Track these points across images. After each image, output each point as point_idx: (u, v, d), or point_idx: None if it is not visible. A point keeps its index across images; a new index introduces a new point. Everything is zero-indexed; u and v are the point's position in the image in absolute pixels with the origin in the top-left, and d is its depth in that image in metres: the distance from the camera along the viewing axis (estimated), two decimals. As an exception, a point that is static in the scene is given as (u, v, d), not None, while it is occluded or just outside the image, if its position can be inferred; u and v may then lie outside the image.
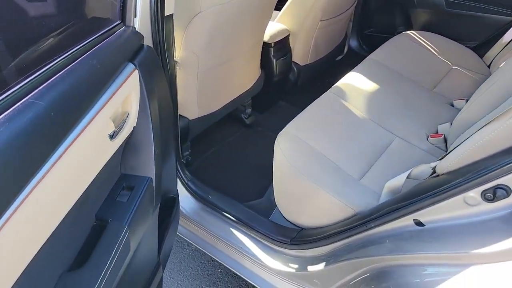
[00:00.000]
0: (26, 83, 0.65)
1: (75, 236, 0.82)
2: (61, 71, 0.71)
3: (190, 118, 1.55)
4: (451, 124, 1.37)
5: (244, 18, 1.45)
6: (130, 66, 0.88)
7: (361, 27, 2.38)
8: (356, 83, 1.57)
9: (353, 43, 2.43)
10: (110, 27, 0.89)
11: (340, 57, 2.38)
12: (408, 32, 1.94)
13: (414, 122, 1.44)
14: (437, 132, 1.42)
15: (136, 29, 0.97)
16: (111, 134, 0.82)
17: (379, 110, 1.47)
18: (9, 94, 0.62)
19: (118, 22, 0.92)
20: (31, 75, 0.67)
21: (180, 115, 1.51)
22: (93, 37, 0.82)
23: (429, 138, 1.39)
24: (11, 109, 0.61)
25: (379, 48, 1.83)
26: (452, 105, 1.58)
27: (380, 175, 1.21)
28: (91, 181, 0.77)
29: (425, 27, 2.08)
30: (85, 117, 0.72)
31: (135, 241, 0.94)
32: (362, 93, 1.53)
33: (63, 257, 0.78)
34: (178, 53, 1.35)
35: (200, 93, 1.51)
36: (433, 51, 1.86)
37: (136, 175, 1.00)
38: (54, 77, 0.70)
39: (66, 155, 0.66)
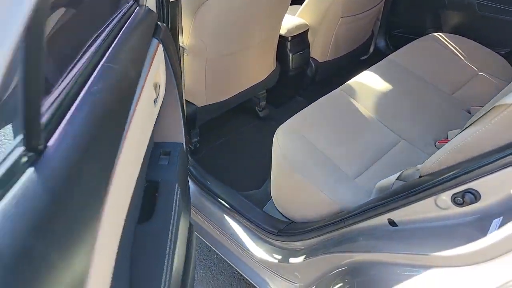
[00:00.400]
0: (95, 50, 0.71)
1: (137, 195, 0.90)
2: (113, 42, 0.77)
3: (198, 105, 1.58)
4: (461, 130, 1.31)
5: (255, 9, 1.45)
6: (155, 41, 0.94)
7: (389, 27, 2.30)
8: (368, 82, 1.53)
9: (380, 43, 2.36)
10: (128, 7, 0.94)
11: (365, 57, 2.33)
12: (435, 34, 1.85)
13: (423, 126, 1.39)
14: (447, 138, 1.36)
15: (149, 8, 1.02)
16: (155, 99, 0.90)
17: (388, 111, 1.43)
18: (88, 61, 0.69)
19: (132, 2, 0.97)
20: (91, 46, 0.73)
21: (188, 101, 1.54)
22: (120, 15, 0.88)
23: (437, 143, 1.33)
24: (96, 70, 0.67)
25: (401, 48, 1.76)
26: (469, 112, 1.50)
27: (377, 176, 1.18)
28: (147, 143, 0.85)
29: (455, 30, 1.98)
30: (140, 81, 0.79)
31: (182, 199, 1.01)
32: (372, 93, 1.49)
33: (133, 214, 0.87)
34: (186, 40, 1.38)
35: (208, 81, 1.53)
36: (459, 55, 1.77)
37: (168, 142, 1.10)
38: (111, 48, 0.75)
39: (136, 113, 0.73)
